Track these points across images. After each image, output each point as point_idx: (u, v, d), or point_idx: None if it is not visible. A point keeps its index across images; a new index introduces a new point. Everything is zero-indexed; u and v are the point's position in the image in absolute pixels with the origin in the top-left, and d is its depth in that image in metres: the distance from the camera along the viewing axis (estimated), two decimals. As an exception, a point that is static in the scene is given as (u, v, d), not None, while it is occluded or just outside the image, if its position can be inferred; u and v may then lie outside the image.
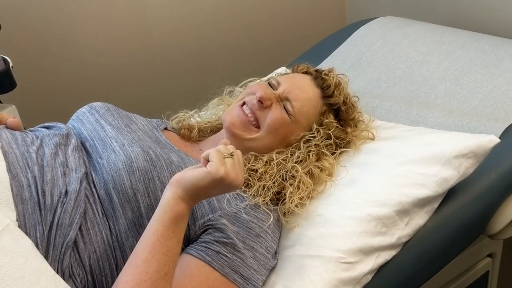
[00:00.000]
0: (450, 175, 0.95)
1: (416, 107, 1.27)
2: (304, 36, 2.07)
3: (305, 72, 1.11)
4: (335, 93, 1.06)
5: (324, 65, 1.53)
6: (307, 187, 0.95)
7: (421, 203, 0.94)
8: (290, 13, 2.10)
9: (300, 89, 1.04)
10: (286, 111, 1.01)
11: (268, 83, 1.06)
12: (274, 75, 1.22)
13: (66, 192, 0.83)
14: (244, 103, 1.02)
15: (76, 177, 0.85)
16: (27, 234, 0.76)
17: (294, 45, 1.93)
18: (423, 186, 0.94)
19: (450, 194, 1.00)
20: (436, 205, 0.97)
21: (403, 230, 0.92)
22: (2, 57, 1.33)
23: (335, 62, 1.52)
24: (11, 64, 1.36)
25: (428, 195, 0.94)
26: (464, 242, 1.04)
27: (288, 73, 1.18)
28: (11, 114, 1.42)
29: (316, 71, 1.11)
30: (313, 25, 2.13)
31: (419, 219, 0.95)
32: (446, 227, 0.98)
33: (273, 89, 1.04)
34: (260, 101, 1.00)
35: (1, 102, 1.41)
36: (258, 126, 1.01)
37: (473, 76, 1.29)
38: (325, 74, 1.08)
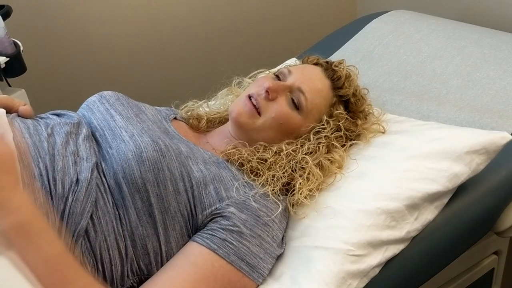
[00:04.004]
0: (461, 170, 0.95)
1: (427, 102, 1.27)
2: (314, 28, 2.06)
3: (316, 64, 1.11)
4: (345, 84, 1.05)
5: (334, 58, 1.49)
6: (316, 179, 0.95)
7: (431, 198, 0.94)
8: (301, 5, 2.10)
9: (311, 80, 1.03)
10: (297, 104, 1.00)
11: (277, 74, 1.05)
12: (283, 66, 1.21)
13: (77, 180, 0.83)
14: (250, 95, 1.01)
15: (87, 166, 0.85)
16: None
17: (304, 38, 1.92)
18: (433, 181, 0.93)
19: (460, 190, 0.99)
20: (445, 200, 0.97)
21: (412, 225, 0.92)
22: (13, 40, 1.34)
23: (346, 55, 1.51)
24: (21, 48, 1.37)
25: (439, 190, 0.93)
26: (472, 238, 1.03)
27: (298, 64, 1.17)
28: (20, 98, 1.44)
29: (327, 62, 1.10)
30: (323, 17, 2.13)
31: (429, 214, 0.94)
32: (454, 222, 0.98)
33: (283, 79, 1.04)
34: (267, 91, 0.99)
35: (10, 86, 1.41)
36: (259, 113, 1.00)
37: (485, 72, 1.28)
38: (335, 66, 1.08)
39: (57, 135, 0.89)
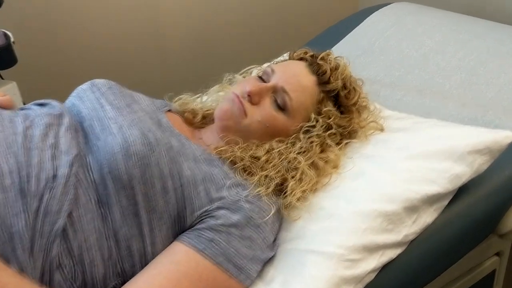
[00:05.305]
0: (463, 171, 0.91)
1: (429, 97, 1.24)
2: (315, 21, 2.02)
3: (301, 58, 1.06)
4: (331, 79, 1.00)
5: (334, 51, 1.47)
6: (310, 180, 0.91)
7: (431, 200, 0.90)
8: None
9: (295, 77, 0.98)
10: (282, 105, 0.96)
11: (260, 76, 1.01)
12: (273, 62, 1.17)
13: (55, 176, 0.78)
14: (237, 95, 0.97)
15: (66, 160, 0.81)
16: (9, 226, 0.72)
17: (305, 30, 1.88)
18: (433, 182, 0.90)
19: (461, 191, 0.96)
20: (446, 202, 0.93)
21: (410, 228, 0.89)
22: (3, 31, 1.30)
23: (346, 48, 1.48)
24: (12, 39, 1.33)
25: (438, 191, 0.90)
26: (473, 241, 1.00)
27: (284, 60, 1.13)
28: (11, 91, 1.40)
29: (312, 56, 1.05)
30: (325, 9, 2.09)
31: (428, 216, 0.91)
32: (455, 225, 0.95)
33: (267, 80, 0.99)
34: (249, 95, 0.96)
35: (2, 78, 1.37)
36: (245, 114, 0.96)
37: (489, 67, 1.25)
38: (321, 59, 1.02)
39: (36, 127, 0.85)
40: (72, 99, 0.98)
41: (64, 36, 1.73)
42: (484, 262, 1.24)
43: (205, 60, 1.95)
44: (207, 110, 1.11)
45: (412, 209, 0.89)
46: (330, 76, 1.00)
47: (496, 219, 1.01)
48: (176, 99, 1.13)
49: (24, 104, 1.48)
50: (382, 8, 1.59)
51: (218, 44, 1.96)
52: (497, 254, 1.26)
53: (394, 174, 0.91)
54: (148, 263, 0.82)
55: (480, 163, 0.93)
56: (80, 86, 0.99)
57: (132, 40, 1.83)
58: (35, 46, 1.66)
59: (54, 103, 0.95)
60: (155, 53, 1.89)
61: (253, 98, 0.95)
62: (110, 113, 0.90)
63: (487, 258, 1.24)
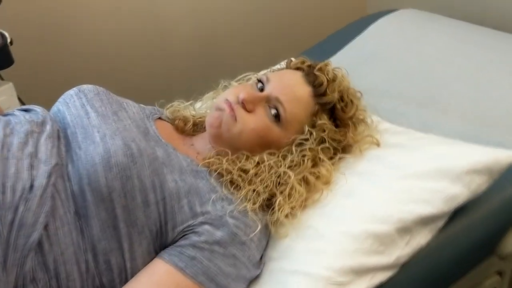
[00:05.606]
0: (459, 192, 0.88)
1: (430, 110, 1.20)
2: (321, 26, 1.98)
3: (297, 68, 1.03)
4: (328, 90, 0.96)
5: (336, 58, 1.45)
6: (300, 196, 0.87)
7: (424, 221, 0.87)
8: (309, 1, 2.04)
9: (289, 87, 0.95)
10: (276, 116, 0.93)
11: (256, 83, 0.98)
12: (270, 70, 1.13)
13: (31, 187, 0.76)
14: (228, 100, 0.94)
15: (44, 170, 0.78)
16: None
17: (310, 35, 1.85)
18: (427, 202, 0.86)
19: (458, 211, 0.91)
20: (441, 223, 0.89)
21: (402, 250, 0.85)
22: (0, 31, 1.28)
23: (347, 56, 1.45)
24: (9, 40, 1.31)
25: (432, 213, 0.86)
26: (469, 264, 0.97)
27: (281, 69, 1.09)
28: (8, 91, 1.39)
29: (309, 66, 1.02)
30: (331, 14, 2.06)
31: (421, 238, 0.87)
32: (450, 248, 0.91)
33: (262, 88, 0.96)
34: (243, 103, 0.92)
35: (2, 79, 1.36)
36: (235, 119, 0.93)
37: (497, 82, 1.21)
38: (318, 70, 0.98)
39: (16, 135, 0.83)
40: (58, 104, 0.96)
41: (62, 36, 1.71)
42: (484, 281, 1.19)
43: (208, 64, 1.92)
44: (199, 118, 1.09)
45: (405, 230, 0.85)
46: (326, 88, 0.96)
47: (494, 242, 0.97)
48: (168, 106, 1.10)
49: (25, 105, 1.49)
50: (388, 15, 1.56)
51: (223, 49, 1.94)
52: (499, 273, 1.22)
53: (387, 193, 0.88)
54: (127, 278, 0.79)
55: (478, 184, 0.89)
56: (68, 91, 0.97)
57: (133, 42, 1.82)
58: (33, 46, 1.64)
59: (38, 109, 0.93)
60: (156, 56, 1.87)
61: (247, 106, 0.92)
62: (94, 121, 0.88)
63: (488, 276, 1.20)
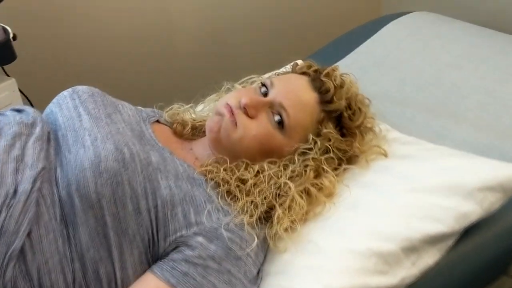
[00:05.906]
0: (471, 210, 0.83)
1: (442, 119, 1.15)
2: (334, 26, 1.95)
3: (303, 73, 0.98)
4: (335, 98, 0.91)
5: (345, 62, 1.40)
6: (300, 209, 0.83)
7: (433, 240, 0.82)
8: (322, 2, 2.01)
9: (294, 93, 0.90)
10: (279, 122, 0.89)
11: (259, 87, 0.94)
12: (274, 74, 1.09)
13: (15, 192, 0.73)
14: (229, 105, 0.90)
15: (30, 175, 0.75)
16: None
17: (323, 36, 1.81)
18: (437, 220, 0.82)
19: (469, 229, 0.86)
20: (450, 242, 0.84)
21: (408, 270, 0.80)
22: (2, 26, 1.26)
23: (357, 59, 1.40)
24: (11, 35, 1.30)
25: (443, 231, 0.82)
26: (482, 284, 0.91)
27: (287, 72, 1.05)
28: (10, 87, 1.36)
29: (316, 71, 0.97)
30: (345, 15, 2.02)
31: (429, 258, 0.82)
32: (459, 268, 0.86)
33: (266, 93, 0.92)
34: (245, 108, 0.88)
35: (7, 75, 1.35)
36: (235, 125, 0.89)
37: (511, 89, 1.14)
38: (325, 75, 0.94)
39: (3, 137, 0.80)
40: (51, 105, 0.93)
41: (66, 33, 1.69)
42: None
43: (215, 65, 1.89)
44: (199, 121, 1.05)
45: (412, 249, 0.81)
46: (333, 95, 0.91)
47: (507, 261, 0.91)
48: (168, 109, 1.07)
49: (29, 100, 1.47)
50: (400, 18, 1.52)
51: (231, 48, 1.92)
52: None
53: (393, 208, 0.83)
54: None
55: (492, 201, 0.84)
56: (62, 92, 0.95)
57: (138, 39, 1.79)
58: (35, 41, 1.62)
59: (29, 110, 0.90)
60: (162, 56, 1.85)
61: (249, 111, 0.88)
62: (86, 124, 0.85)
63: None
